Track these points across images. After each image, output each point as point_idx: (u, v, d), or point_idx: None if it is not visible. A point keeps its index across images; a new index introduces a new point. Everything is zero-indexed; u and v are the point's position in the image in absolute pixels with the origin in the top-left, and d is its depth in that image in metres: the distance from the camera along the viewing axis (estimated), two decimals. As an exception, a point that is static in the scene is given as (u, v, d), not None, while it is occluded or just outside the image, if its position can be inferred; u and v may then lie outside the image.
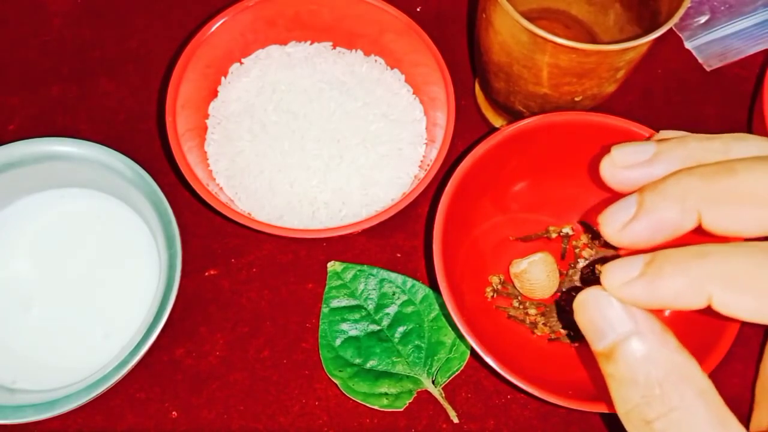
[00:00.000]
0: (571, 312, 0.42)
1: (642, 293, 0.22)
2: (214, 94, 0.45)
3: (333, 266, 0.43)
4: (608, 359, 0.23)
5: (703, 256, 0.21)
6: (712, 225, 0.22)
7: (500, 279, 0.43)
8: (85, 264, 0.42)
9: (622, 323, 0.23)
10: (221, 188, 0.43)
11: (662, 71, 0.50)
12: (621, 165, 0.25)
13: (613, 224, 0.24)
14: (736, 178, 0.22)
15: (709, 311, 0.21)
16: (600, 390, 0.38)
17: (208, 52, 0.43)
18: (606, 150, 0.26)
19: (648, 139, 0.30)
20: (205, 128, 0.44)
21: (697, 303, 0.21)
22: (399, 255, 0.45)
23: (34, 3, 0.51)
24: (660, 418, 0.22)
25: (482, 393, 0.42)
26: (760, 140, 0.23)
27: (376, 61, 0.46)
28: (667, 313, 0.40)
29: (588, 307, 0.23)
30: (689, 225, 0.22)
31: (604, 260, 0.43)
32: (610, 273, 0.23)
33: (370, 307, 0.43)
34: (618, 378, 0.23)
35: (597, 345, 0.23)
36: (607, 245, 0.43)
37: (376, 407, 0.40)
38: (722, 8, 0.51)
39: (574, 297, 0.43)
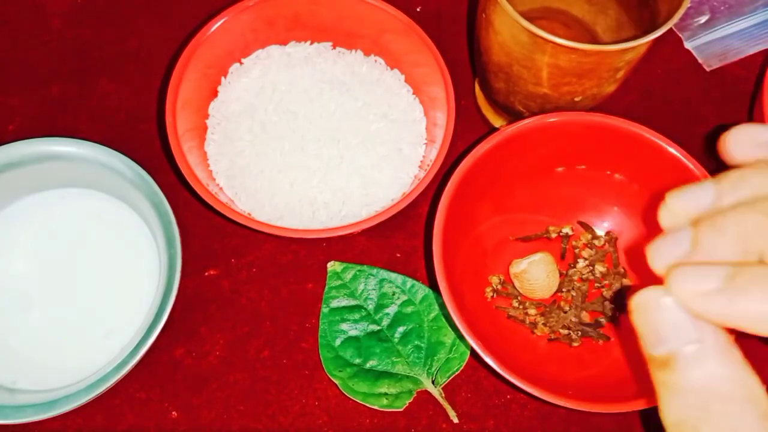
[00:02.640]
0: (570, 312, 0.42)
1: (718, 310, 0.20)
2: (214, 94, 0.45)
3: (333, 266, 0.43)
4: (664, 367, 0.21)
5: None
6: None
7: (500, 279, 0.43)
8: (85, 264, 0.42)
9: (687, 331, 0.21)
10: (221, 188, 0.43)
11: (662, 71, 0.50)
12: (681, 213, 0.23)
13: (664, 260, 0.22)
14: None
15: None
16: (603, 388, 0.38)
17: (208, 52, 0.43)
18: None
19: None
20: (205, 128, 0.44)
21: None
22: (399, 255, 0.45)
23: (34, 3, 0.51)
24: None
25: (482, 393, 0.42)
26: None
27: (376, 61, 0.46)
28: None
29: (650, 308, 0.22)
30: None
31: (604, 262, 0.43)
32: (683, 279, 0.21)
33: (370, 307, 0.43)
34: (673, 388, 0.21)
35: (654, 350, 0.22)
36: (606, 246, 0.43)
37: (376, 407, 0.40)
38: (722, 8, 0.51)
39: (574, 297, 0.43)
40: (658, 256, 0.22)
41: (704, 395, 0.21)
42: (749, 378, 0.21)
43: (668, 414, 0.21)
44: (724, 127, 0.26)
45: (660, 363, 0.21)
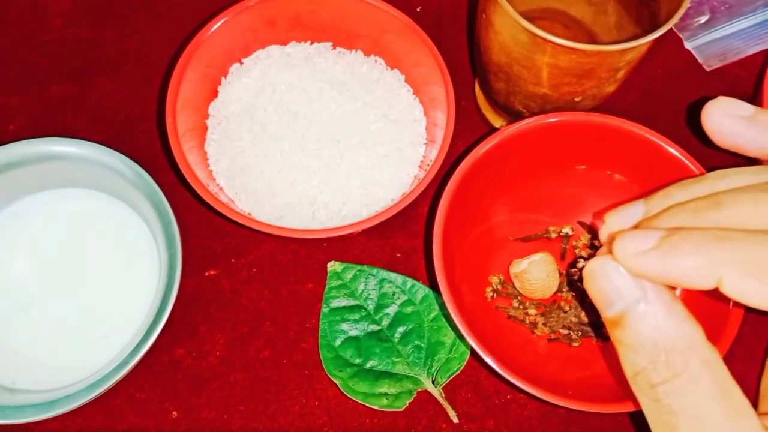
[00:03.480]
0: (570, 312, 0.42)
1: (653, 266, 0.22)
2: (214, 94, 0.45)
3: (333, 266, 0.43)
4: (617, 326, 0.24)
5: (721, 240, 0.22)
6: None
7: (500, 279, 0.43)
8: (85, 264, 0.42)
9: (631, 291, 0.23)
10: (221, 188, 0.43)
11: (662, 71, 0.50)
12: (617, 228, 0.26)
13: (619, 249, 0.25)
14: (722, 211, 0.22)
15: (713, 293, 0.22)
16: (603, 388, 0.38)
17: (208, 52, 0.43)
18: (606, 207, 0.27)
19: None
20: (205, 128, 0.44)
21: (706, 284, 0.22)
22: (399, 255, 0.45)
23: (34, 3, 0.51)
24: (664, 383, 0.22)
25: (482, 393, 0.42)
26: (740, 172, 0.24)
27: (376, 61, 0.46)
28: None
29: (598, 274, 0.24)
30: None
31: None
32: (623, 242, 0.23)
33: (370, 307, 0.43)
34: (626, 343, 0.23)
35: (606, 311, 0.24)
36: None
37: (376, 407, 0.40)
38: (722, 8, 0.51)
39: (575, 297, 0.43)
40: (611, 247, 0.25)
41: (651, 347, 0.23)
42: (691, 329, 0.23)
43: (626, 369, 0.24)
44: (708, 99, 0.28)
45: (613, 323, 0.24)
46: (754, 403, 0.30)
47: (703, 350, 0.23)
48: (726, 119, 0.27)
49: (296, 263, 0.44)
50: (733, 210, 0.22)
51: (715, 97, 0.50)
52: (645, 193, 0.27)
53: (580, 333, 0.41)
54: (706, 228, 0.22)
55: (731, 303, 0.36)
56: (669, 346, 0.22)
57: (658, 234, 0.22)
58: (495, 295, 0.42)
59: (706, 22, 0.51)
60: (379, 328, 0.42)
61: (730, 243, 0.21)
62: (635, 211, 0.26)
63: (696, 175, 0.38)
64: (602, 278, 0.24)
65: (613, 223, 0.26)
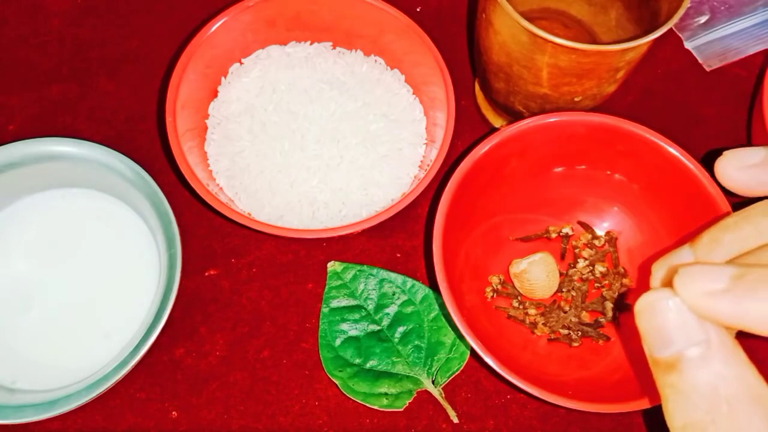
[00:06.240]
0: (570, 312, 0.42)
1: (725, 310, 0.20)
2: (214, 94, 0.45)
3: (333, 266, 0.43)
4: (671, 369, 0.21)
5: None
6: None
7: (500, 279, 0.43)
8: (85, 264, 0.42)
9: (693, 333, 0.21)
10: (221, 188, 0.43)
11: (662, 71, 0.50)
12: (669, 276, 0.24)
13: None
14: None
15: None
16: (603, 388, 0.38)
17: (208, 52, 0.43)
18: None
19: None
20: (205, 128, 0.44)
21: None
22: (399, 255, 0.45)
23: (34, 3, 0.51)
24: None
25: (482, 393, 0.42)
26: None
27: (376, 61, 0.46)
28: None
29: (655, 310, 0.21)
30: None
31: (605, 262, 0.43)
32: (689, 279, 0.21)
33: (370, 307, 0.43)
34: (681, 390, 0.21)
35: (659, 352, 0.22)
36: (606, 246, 0.43)
37: (376, 407, 0.40)
38: (722, 8, 0.51)
39: (574, 297, 0.43)
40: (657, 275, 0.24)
41: (711, 397, 0.20)
42: (755, 379, 0.21)
43: (675, 417, 0.21)
44: (716, 152, 0.27)
45: (665, 366, 0.21)
46: None
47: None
48: (738, 173, 0.25)
49: (296, 263, 0.44)
50: None
51: (714, 97, 0.50)
52: (683, 238, 0.25)
53: (580, 333, 0.41)
54: None
55: None
56: (733, 397, 0.20)
57: (729, 272, 0.20)
58: (495, 295, 0.42)
59: (706, 22, 0.51)
60: (379, 328, 0.42)
61: None
62: (682, 258, 0.24)
63: (697, 177, 0.38)
64: (660, 315, 0.21)
65: (661, 273, 0.24)
